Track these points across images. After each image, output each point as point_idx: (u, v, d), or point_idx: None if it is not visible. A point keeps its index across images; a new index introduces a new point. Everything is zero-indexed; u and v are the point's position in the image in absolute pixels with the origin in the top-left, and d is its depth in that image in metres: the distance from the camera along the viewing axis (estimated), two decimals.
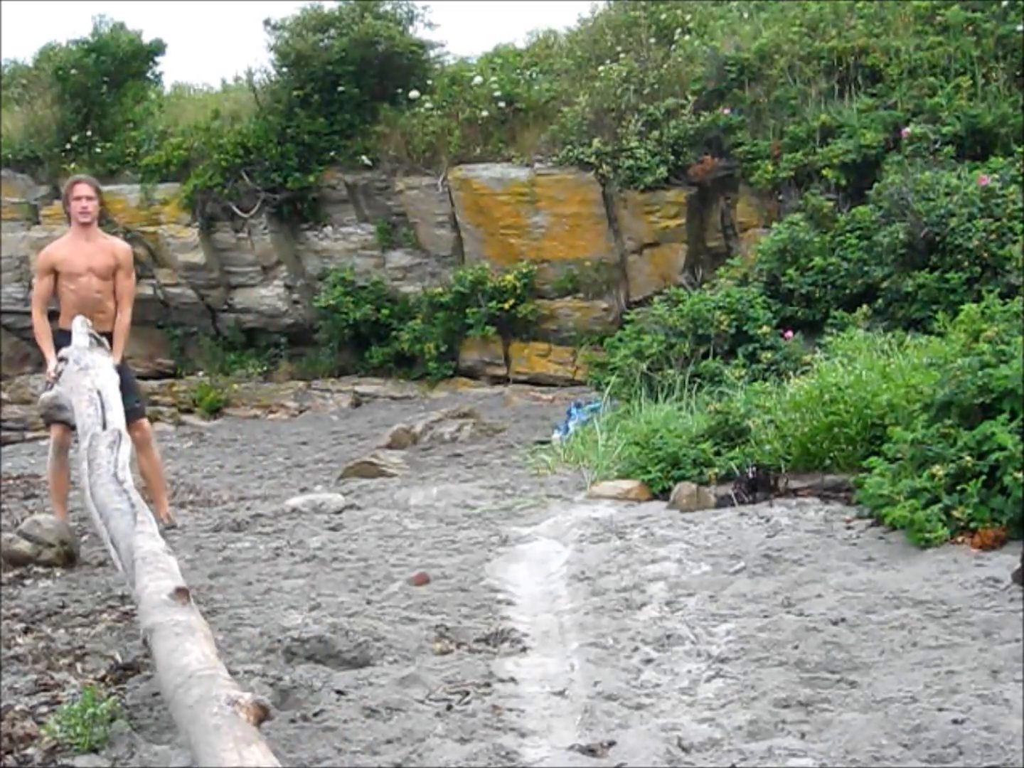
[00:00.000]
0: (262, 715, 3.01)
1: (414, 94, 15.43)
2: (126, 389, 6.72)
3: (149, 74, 17.97)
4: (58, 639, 4.82)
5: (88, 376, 6.35)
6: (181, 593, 3.75)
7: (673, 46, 14.45)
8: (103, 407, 6.07)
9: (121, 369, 6.88)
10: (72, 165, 16.45)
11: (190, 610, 3.68)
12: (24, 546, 6.14)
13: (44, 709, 3.96)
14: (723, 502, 6.76)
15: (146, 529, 4.55)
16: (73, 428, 6.51)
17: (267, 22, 16.20)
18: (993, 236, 9.48)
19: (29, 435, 15.03)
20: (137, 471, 6.85)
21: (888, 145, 11.77)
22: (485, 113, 14.85)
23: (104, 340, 6.90)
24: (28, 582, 5.87)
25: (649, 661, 4.37)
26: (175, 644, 3.42)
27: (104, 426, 5.86)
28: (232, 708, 2.96)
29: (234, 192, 15.75)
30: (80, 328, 6.82)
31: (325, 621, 4.78)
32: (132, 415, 6.69)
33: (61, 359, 6.69)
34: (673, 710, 3.89)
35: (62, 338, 6.90)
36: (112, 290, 7.13)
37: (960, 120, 11.46)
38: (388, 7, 16.25)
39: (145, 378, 16.38)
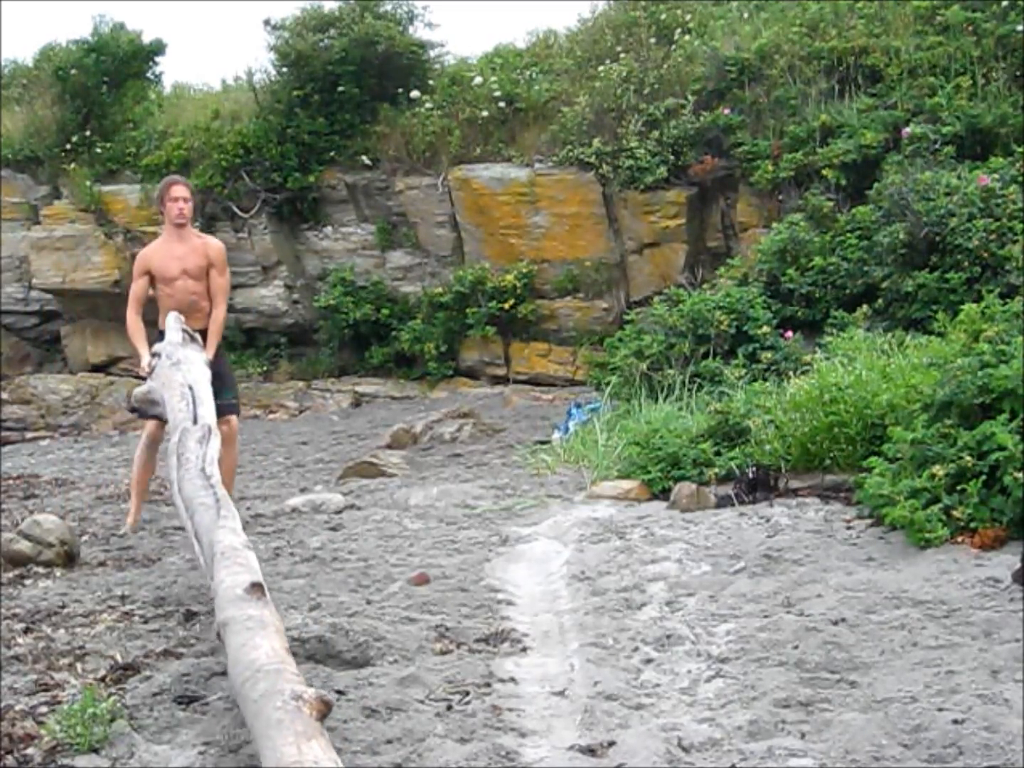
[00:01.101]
0: (325, 710, 3.02)
1: (414, 94, 15.43)
2: (223, 384, 6.86)
3: (149, 74, 17.97)
4: (58, 639, 4.82)
5: (180, 371, 6.40)
6: (256, 588, 3.74)
7: (673, 46, 14.45)
8: (194, 402, 6.10)
9: (219, 364, 7.01)
10: (72, 165, 16.48)
11: (264, 604, 3.67)
12: (24, 546, 6.14)
13: (44, 709, 3.96)
14: (723, 502, 6.76)
15: (228, 524, 4.55)
16: (166, 423, 6.55)
17: (267, 22, 16.22)
18: (993, 236, 9.48)
19: (29, 435, 15.02)
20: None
21: (888, 145, 11.78)
22: (485, 113, 14.85)
23: (197, 336, 6.99)
24: (28, 582, 5.87)
25: (649, 661, 4.37)
26: (246, 639, 3.42)
27: (195, 421, 5.88)
28: (296, 703, 2.97)
29: (234, 192, 15.76)
30: (173, 324, 6.91)
31: (325, 621, 4.78)
32: (224, 410, 6.80)
33: (154, 354, 6.77)
34: (673, 710, 3.89)
35: (160, 338, 6.98)
36: (206, 289, 7.20)
37: (960, 120, 11.46)
38: (388, 7, 16.25)
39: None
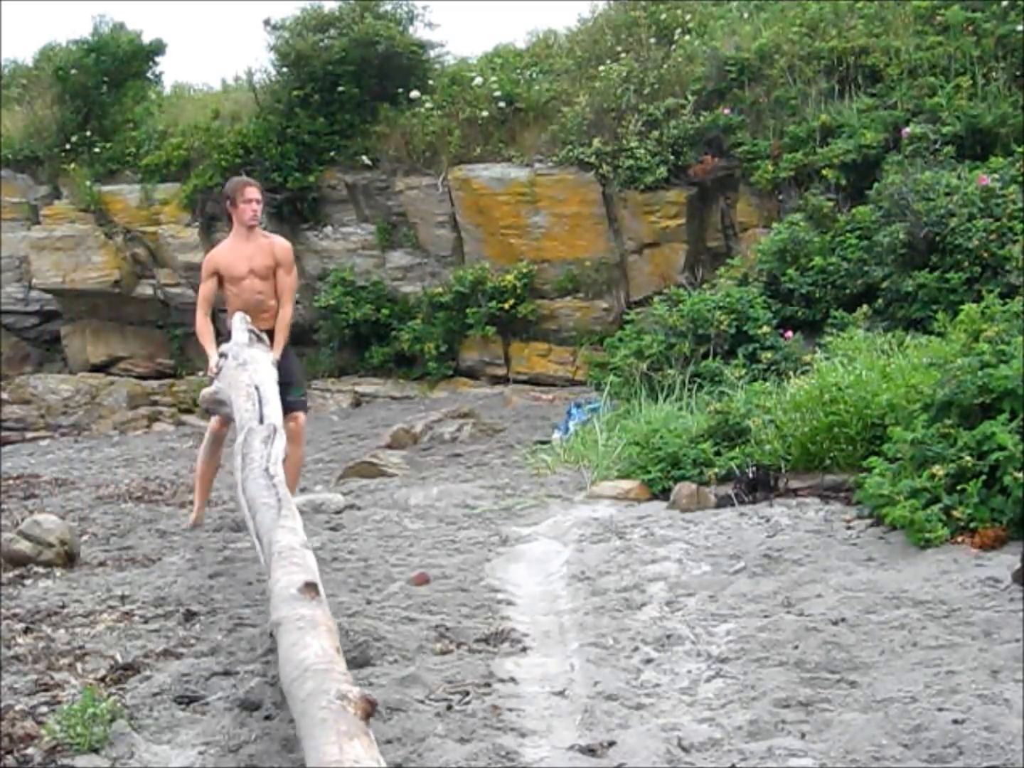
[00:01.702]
0: (370, 709, 3.02)
1: (414, 94, 15.42)
2: (291, 382, 6.92)
3: (149, 74, 17.97)
4: (58, 639, 4.82)
5: (246, 372, 6.43)
6: (310, 588, 3.75)
7: (673, 46, 14.44)
8: (260, 402, 6.12)
9: (287, 362, 7.06)
10: (72, 165, 16.48)
11: (317, 604, 3.68)
12: (24, 546, 6.15)
13: (44, 709, 3.96)
14: (723, 502, 6.76)
15: (287, 524, 4.55)
16: (230, 420, 6.59)
17: (267, 22, 16.21)
18: (993, 236, 9.48)
19: (29, 435, 15.02)
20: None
21: (888, 145, 11.77)
22: (485, 113, 14.85)
23: (264, 336, 7.01)
24: (28, 582, 5.87)
25: (649, 661, 4.37)
26: (296, 638, 3.44)
27: (261, 421, 5.89)
28: (341, 702, 2.98)
29: None
30: (239, 325, 6.94)
31: None
32: (291, 407, 6.86)
33: (221, 355, 6.80)
34: (673, 710, 3.89)
35: (228, 338, 7.02)
36: (273, 288, 7.24)
37: (960, 120, 11.46)
38: (388, 7, 16.24)
39: (145, 378, 16.42)
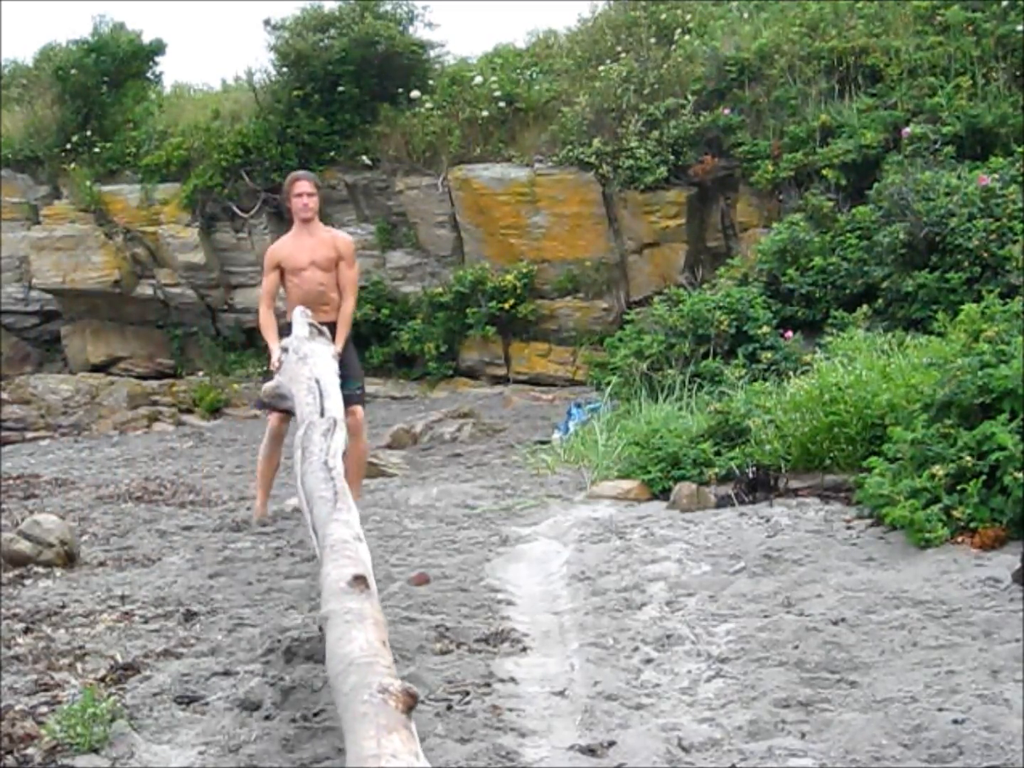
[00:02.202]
0: (411, 702, 3.01)
1: (414, 94, 15.43)
2: (348, 375, 6.92)
3: (149, 74, 17.98)
4: (58, 639, 4.82)
5: (307, 365, 6.43)
6: (359, 581, 3.73)
7: (673, 46, 14.45)
8: (321, 395, 6.12)
9: (345, 355, 7.06)
10: (72, 165, 16.48)
11: (366, 597, 3.66)
12: (24, 546, 6.14)
13: (44, 709, 3.96)
14: (723, 502, 6.76)
15: (341, 517, 4.53)
16: (290, 416, 6.62)
17: (267, 22, 16.23)
18: (993, 236, 9.48)
19: (29, 435, 15.02)
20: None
21: (888, 145, 11.78)
22: (485, 113, 14.86)
23: (324, 330, 7.01)
24: (28, 582, 5.87)
25: (649, 661, 4.37)
26: (343, 632, 3.43)
27: (321, 414, 5.89)
28: (382, 696, 2.97)
29: (234, 192, 15.76)
30: (300, 318, 6.95)
31: None
32: (349, 400, 6.83)
33: (283, 349, 6.80)
34: (673, 710, 3.89)
35: (289, 331, 7.01)
36: (335, 281, 7.24)
37: (960, 120, 11.46)
38: (388, 7, 16.26)
39: (145, 378, 16.42)
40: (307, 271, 7.20)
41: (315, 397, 6.09)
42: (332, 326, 7.14)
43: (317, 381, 6.24)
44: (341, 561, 3.95)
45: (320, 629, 3.66)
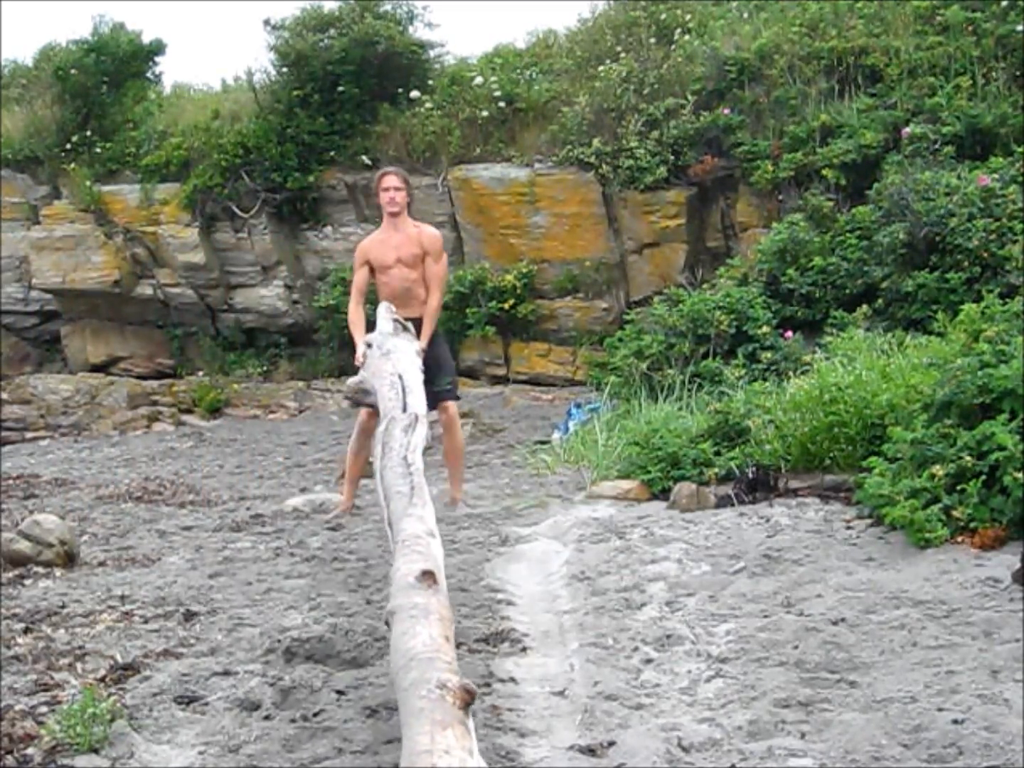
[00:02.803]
0: (469, 698, 3.02)
1: (414, 94, 15.42)
2: (439, 370, 6.98)
3: (149, 74, 17.97)
4: (58, 639, 4.82)
5: (390, 361, 6.46)
6: (427, 576, 3.74)
7: (673, 46, 14.45)
8: (403, 391, 6.14)
9: (435, 350, 7.10)
10: (72, 165, 16.47)
11: (433, 592, 3.67)
12: (24, 546, 6.14)
13: (44, 709, 3.96)
14: (723, 502, 6.76)
15: (415, 512, 4.55)
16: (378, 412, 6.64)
17: (267, 22, 16.21)
18: (993, 236, 9.48)
19: (29, 435, 15.02)
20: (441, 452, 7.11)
21: (888, 145, 11.77)
22: (485, 113, 14.85)
23: (409, 325, 7.02)
24: (28, 582, 5.87)
25: (649, 661, 4.37)
26: (407, 627, 3.44)
27: (404, 409, 5.92)
28: (440, 691, 2.98)
29: (234, 192, 15.75)
30: (384, 314, 7.02)
31: (325, 621, 4.79)
32: (442, 395, 6.94)
33: (367, 345, 6.83)
34: (673, 710, 3.89)
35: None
36: (421, 277, 7.26)
37: (960, 120, 11.46)
38: (388, 7, 16.24)
39: (145, 378, 16.41)
40: (393, 269, 7.23)
41: (397, 393, 6.12)
42: (420, 320, 7.15)
43: (400, 377, 6.26)
44: (411, 556, 3.97)
45: (387, 624, 3.66)
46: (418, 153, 15.16)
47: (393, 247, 7.24)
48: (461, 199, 14.85)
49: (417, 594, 3.64)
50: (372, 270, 7.33)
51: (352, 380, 6.83)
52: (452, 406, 7.24)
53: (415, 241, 7.26)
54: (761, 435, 7.04)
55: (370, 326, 7.15)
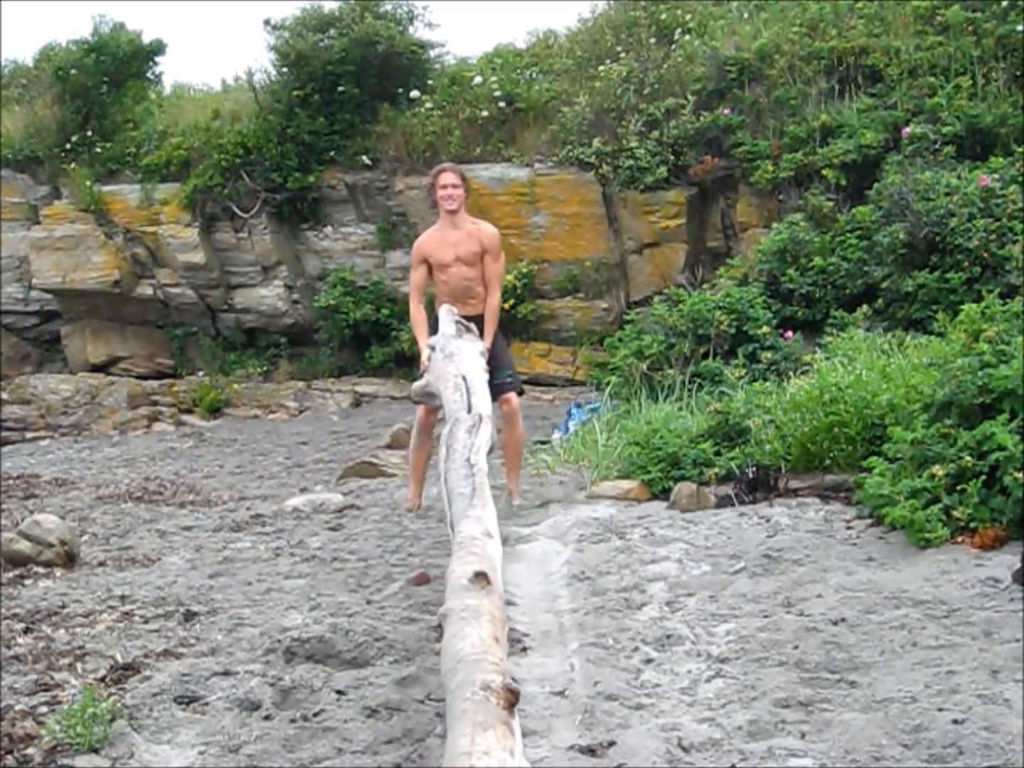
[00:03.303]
0: (513, 699, 3.02)
1: (414, 94, 15.43)
2: (499, 363, 6.94)
3: (149, 74, 17.99)
4: (58, 639, 4.82)
5: (453, 363, 6.46)
6: (480, 577, 3.74)
7: (673, 46, 14.46)
8: (468, 392, 6.15)
9: (495, 344, 7.05)
10: (72, 165, 16.48)
11: (485, 594, 3.67)
12: (24, 546, 6.15)
13: (44, 709, 3.96)
14: (723, 502, 6.76)
15: (474, 513, 4.57)
16: (438, 409, 6.70)
17: (267, 22, 16.23)
18: (993, 236, 9.48)
19: (29, 435, 15.03)
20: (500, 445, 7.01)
21: (888, 145, 11.78)
22: (485, 113, 14.86)
23: (472, 326, 6.98)
24: (28, 582, 5.87)
25: (649, 661, 4.37)
26: (457, 629, 3.45)
27: (469, 410, 5.92)
28: (484, 693, 2.99)
29: (234, 192, 15.76)
30: (446, 317, 6.98)
31: (325, 621, 4.79)
32: (503, 388, 6.91)
33: (431, 348, 6.81)
34: (673, 710, 3.89)
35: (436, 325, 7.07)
36: (480, 275, 7.18)
37: (960, 120, 11.46)
38: (388, 7, 16.26)
39: (145, 378, 16.42)
40: (452, 267, 7.15)
41: (462, 394, 6.12)
42: (479, 318, 7.10)
43: (464, 378, 6.27)
44: (467, 558, 3.99)
45: (440, 626, 3.66)
46: (418, 153, 15.16)
47: (452, 245, 7.14)
48: None
49: (469, 596, 3.66)
50: (430, 268, 7.22)
51: (417, 384, 6.83)
52: (514, 398, 7.18)
53: (475, 239, 7.16)
54: (761, 435, 7.03)
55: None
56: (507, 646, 3.59)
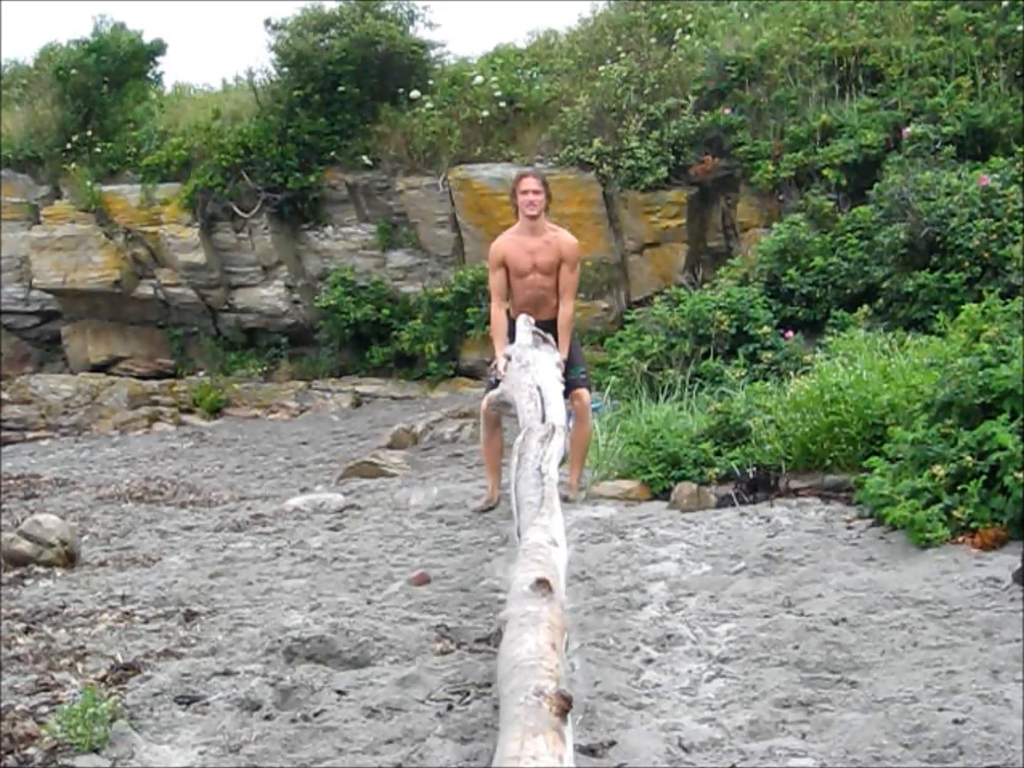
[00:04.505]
0: (566, 705, 3.02)
1: (415, 94, 15.43)
2: (573, 361, 6.99)
3: (149, 74, 17.99)
4: (58, 639, 4.82)
5: (529, 373, 6.48)
6: (542, 584, 3.75)
7: (674, 46, 14.46)
8: (542, 402, 6.19)
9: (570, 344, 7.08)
10: (72, 165, 16.48)
11: (546, 601, 3.68)
12: (24, 546, 6.15)
13: (44, 709, 3.96)
14: (723, 502, 6.76)
15: (540, 522, 4.60)
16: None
17: (267, 22, 16.23)
18: (993, 236, 9.48)
19: (29, 435, 15.03)
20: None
21: (888, 145, 11.78)
22: (485, 113, 14.86)
23: (549, 337, 6.97)
24: (28, 582, 5.87)
25: (650, 661, 4.37)
26: (515, 635, 3.46)
27: (543, 420, 5.95)
28: (537, 699, 2.99)
29: (234, 192, 15.76)
30: (523, 327, 6.96)
31: (325, 621, 4.78)
32: (576, 384, 6.97)
33: (507, 357, 6.81)
34: (674, 710, 3.89)
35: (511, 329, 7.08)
36: (555, 284, 7.13)
37: (960, 120, 11.46)
38: (388, 7, 16.26)
39: (145, 378, 16.42)
40: (529, 276, 7.09)
41: (536, 404, 6.16)
42: (552, 323, 7.08)
43: (539, 388, 6.30)
44: (530, 565, 4.01)
45: (499, 632, 3.67)
46: (418, 153, 15.17)
47: (529, 252, 7.07)
48: (462, 199, 14.85)
49: (530, 602, 3.66)
50: (507, 270, 7.13)
51: (493, 393, 6.83)
52: (585, 393, 7.17)
53: (553, 248, 7.09)
54: (762, 435, 7.04)
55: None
56: (564, 653, 3.59)
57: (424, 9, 16.49)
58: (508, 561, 6.03)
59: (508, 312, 7.19)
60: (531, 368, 6.52)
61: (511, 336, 7.03)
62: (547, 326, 7.05)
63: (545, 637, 3.42)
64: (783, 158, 12.49)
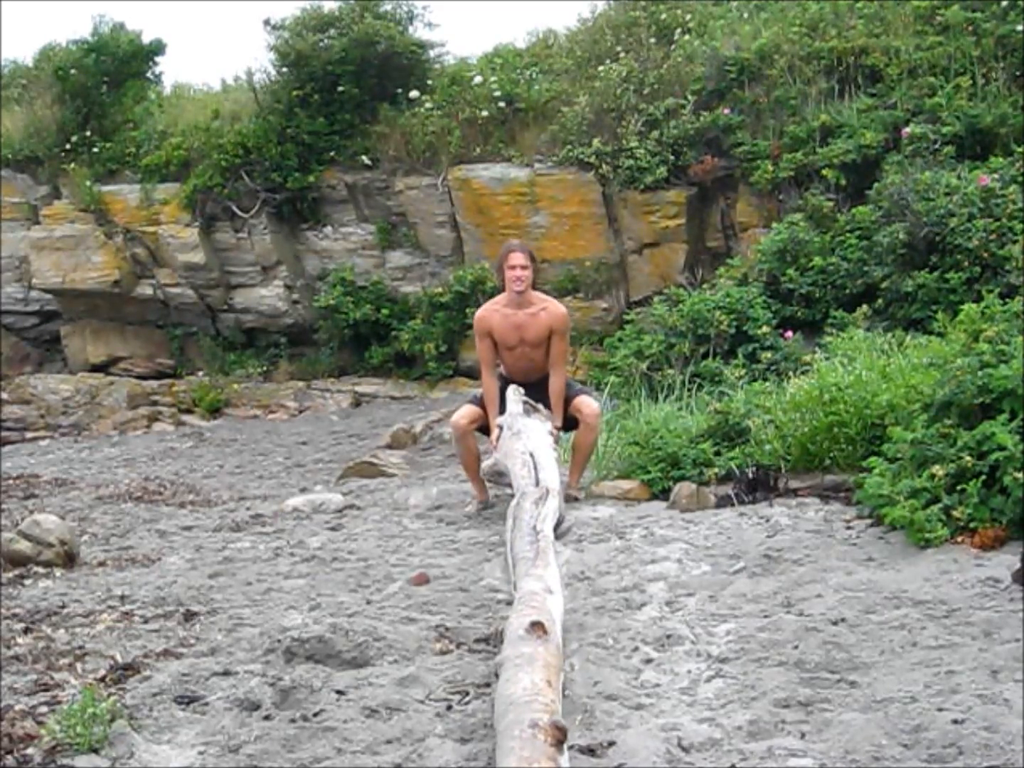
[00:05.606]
0: (560, 735, 3.09)
1: (414, 94, 15.44)
2: (569, 390, 7.20)
3: (149, 74, 18.00)
4: (58, 639, 4.82)
5: (521, 440, 6.69)
6: (536, 627, 3.86)
7: (673, 46, 14.46)
8: (535, 467, 6.42)
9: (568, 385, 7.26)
10: (72, 165, 16.49)
11: (541, 642, 3.78)
12: (24, 546, 6.14)
13: (44, 709, 3.96)
14: (723, 502, 6.76)
15: (535, 572, 4.78)
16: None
17: (267, 22, 16.23)
18: (993, 236, 9.49)
19: (29, 435, 15.02)
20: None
21: (888, 145, 11.79)
22: (485, 113, 14.86)
23: (540, 407, 7.07)
24: (28, 582, 5.87)
25: (649, 661, 4.37)
26: (510, 675, 3.54)
27: (536, 484, 6.18)
28: (532, 731, 3.07)
29: (234, 192, 15.76)
30: (513, 396, 7.09)
31: (325, 621, 4.78)
32: (577, 393, 7.21)
33: (499, 427, 6.94)
34: (673, 710, 3.89)
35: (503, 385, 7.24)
36: (545, 353, 7.17)
37: (960, 120, 11.47)
38: (388, 7, 16.26)
39: (145, 378, 16.42)
40: (517, 349, 7.15)
41: (529, 470, 6.38)
42: (543, 382, 7.16)
43: (531, 455, 6.51)
44: (525, 611, 4.13)
45: (495, 675, 3.74)
46: (418, 153, 15.17)
47: (516, 327, 7.10)
48: (461, 199, 14.85)
49: (525, 644, 3.75)
50: (494, 340, 7.19)
51: (486, 464, 6.94)
52: (589, 401, 7.23)
53: (541, 322, 7.10)
54: (761, 435, 7.04)
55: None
56: (561, 690, 3.64)
57: (423, 9, 16.52)
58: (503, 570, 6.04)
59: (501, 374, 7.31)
60: (523, 435, 6.70)
61: (502, 402, 7.14)
62: (539, 387, 7.14)
63: (540, 675, 3.48)
64: (782, 158, 12.50)
